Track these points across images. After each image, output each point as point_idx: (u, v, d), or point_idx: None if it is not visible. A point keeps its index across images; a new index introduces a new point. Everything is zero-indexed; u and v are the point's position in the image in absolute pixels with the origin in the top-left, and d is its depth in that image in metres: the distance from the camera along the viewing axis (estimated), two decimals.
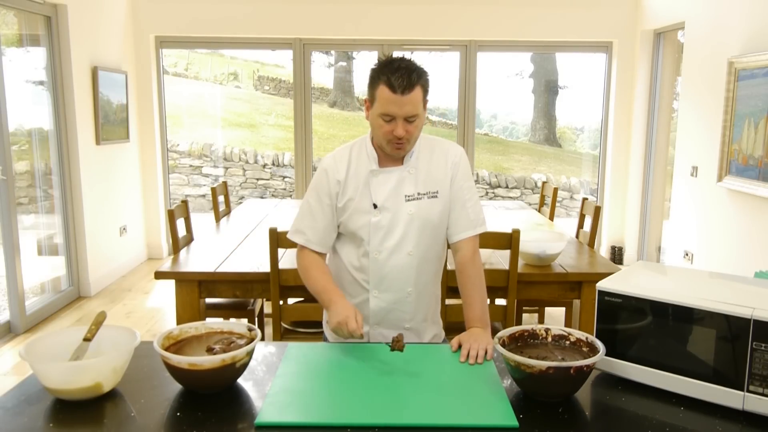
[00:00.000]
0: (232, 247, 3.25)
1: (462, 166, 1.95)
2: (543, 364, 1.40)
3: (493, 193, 9.01)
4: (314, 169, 6.24)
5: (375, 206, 1.89)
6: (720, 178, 4.28)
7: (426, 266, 1.96)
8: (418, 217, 1.89)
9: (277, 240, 2.62)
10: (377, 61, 1.84)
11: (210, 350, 1.54)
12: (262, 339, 1.64)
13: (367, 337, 1.99)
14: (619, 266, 4.04)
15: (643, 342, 1.52)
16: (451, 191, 1.93)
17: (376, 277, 1.92)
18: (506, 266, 2.80)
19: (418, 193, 1.90)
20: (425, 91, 1.82)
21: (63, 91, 4.76)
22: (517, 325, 1.98)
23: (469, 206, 1.94)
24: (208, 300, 3.24)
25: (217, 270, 2.83)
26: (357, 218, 1.90)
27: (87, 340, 1.53)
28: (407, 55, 1.86)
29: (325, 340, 2.11)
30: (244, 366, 1.51)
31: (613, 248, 6.20)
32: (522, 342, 1.61)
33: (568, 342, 1.60)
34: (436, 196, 1.91)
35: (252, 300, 3.39)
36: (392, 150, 1.85)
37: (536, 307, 4.00)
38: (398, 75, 1.75)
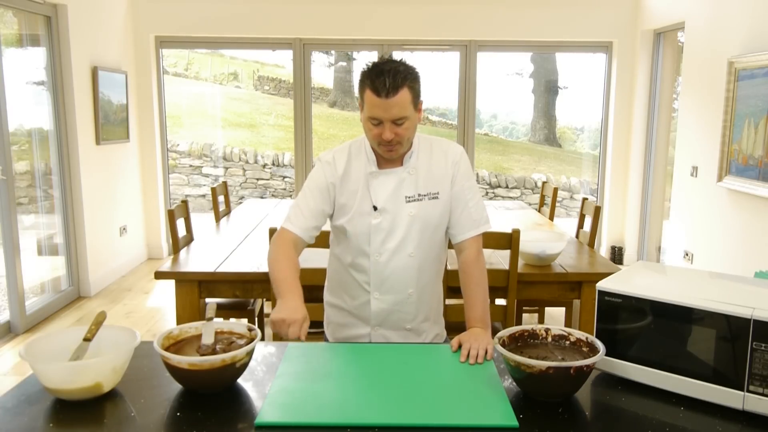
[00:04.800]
0: (232, 247, 3.25)
1: (462, 165, 1.93)
2: (543, 364, 1.40)
3: (493, 193, 9.01)
4: None
5: (375, 208, 1.88)
6: (720, 178, 4.28)
7: (427, 267, 1.95)
8: (419, 218, 1.88)
9: None
10: (366, 64, 1.80)
11: (198, 349, 1.54)
12: (262, 339, 1.64)
13: (369, 338, 1.99)
14: (619, 266, 4.04)
15: (643, 342, 1.52)
16: (453, 191, 1.91)
17: (377, 279, 1.92)
18: (506, 266, 2.80)
19: (419, 194, 1.89)
20: (414, 93, 1.77)
21: (63, 91, 4.76)
22: (517, 325, 1.97)
23: (472, 206, 1.92)
24: (208, 300, 3.24)
25: (217, 270, 2.83)
26: (358, 221, 1.89)
27: (87, 340, 1.53)
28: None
29: (326, 339, 2.11)
30: (244, 366, 1.51)
31: (613, 248, 6.20)
32: (522, 342, 1.61)
33: (568, 342, 1.60)
34: (437, 197, 1.90)
35: (252, 300, 3.40)
36: (384, 153, 1.84)
37: (536, 307, 4.00)
38: (382, 79, 1.72)
